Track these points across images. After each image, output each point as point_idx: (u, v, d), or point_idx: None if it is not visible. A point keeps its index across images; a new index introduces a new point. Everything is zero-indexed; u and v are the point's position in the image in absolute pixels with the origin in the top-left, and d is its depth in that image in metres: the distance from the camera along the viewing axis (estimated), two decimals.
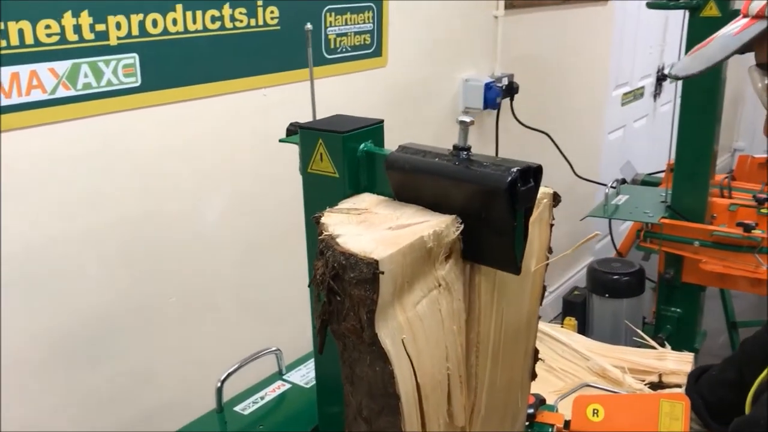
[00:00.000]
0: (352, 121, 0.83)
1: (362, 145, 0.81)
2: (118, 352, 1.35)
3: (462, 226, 0.71)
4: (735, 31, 0.77)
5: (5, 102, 1.12)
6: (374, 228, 0.69)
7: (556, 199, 0.87)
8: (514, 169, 0.68)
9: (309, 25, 0.92)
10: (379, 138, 0.84)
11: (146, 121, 1.33)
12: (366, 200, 0.77)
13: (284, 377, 1.15)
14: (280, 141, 0.92)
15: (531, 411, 1.11)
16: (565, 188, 2.75)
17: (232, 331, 1.58)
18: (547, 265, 0.90)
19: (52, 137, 1.19)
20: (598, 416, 1.09)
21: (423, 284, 0.69)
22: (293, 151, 0.85)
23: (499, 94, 2.29)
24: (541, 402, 1.15)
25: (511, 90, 2.39)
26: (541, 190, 0.84)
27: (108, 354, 1.34)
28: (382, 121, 0.84)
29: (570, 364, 1.66)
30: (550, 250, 0.90)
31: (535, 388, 1.63)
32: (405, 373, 0.66)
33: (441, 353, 0.71)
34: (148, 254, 1.38)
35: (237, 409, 1.07)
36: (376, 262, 0.61)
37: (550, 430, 1.10)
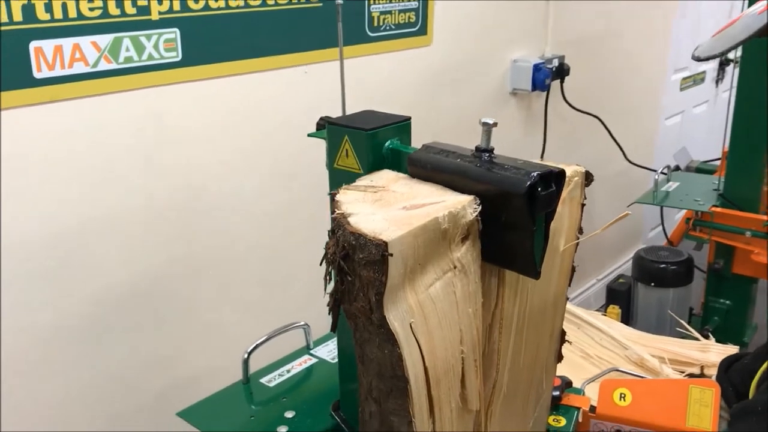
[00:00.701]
0: (379, 118, 0.83)
1: (388, 143, 0.81)
2: (149, 324, 1.38)
3: (480, 207, 0.70)
4: (759, 10, 0.73)
5: (48, 74, 1.14)
6: (388, 207, 0.68)
7: (588, 178, 0.85)
8: (534, 173, 0.67)
9: (340, 0, 0.91)
10: (405, 135, 0.83)
11: (186, 95, 1.34)
12: (384, 177, 0.76)
13: (311, 352, 1.16)
14: (309, 136, 0.92)
15: (557, 393, 1.09)
16: (617, 174, 2.69)
17: (262, 305, 1.59)
18: (577, 245, 0.88)
19: (94, 110, 1.22)
20: (625, 401, 1.07)
21: (437, 266, 0.68)
22: None
23: (548, 75, 2.24)
24: (567, 384, 1.13)
25: (562, 72, 2.33)
26: (573, 168, 0.82)
27: (139, 326, 1.37)
28: (409, 119, 0.83)
29: (607, 351, 1.63)
30: (580, 231, 0.88)
31: (570, 373, 1.61)
32: (414, 356, 0.66)
33: (455, 336, 0.71)
34: (184, 227, 1.40)
35: (263, 380, 1.09)
36: (385, 243, 0.61)
37: (575, 413, 1.08)
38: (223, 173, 1.45)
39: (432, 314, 0.68)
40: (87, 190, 1.24)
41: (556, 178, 0.69)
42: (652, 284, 2.16)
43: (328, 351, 1.16)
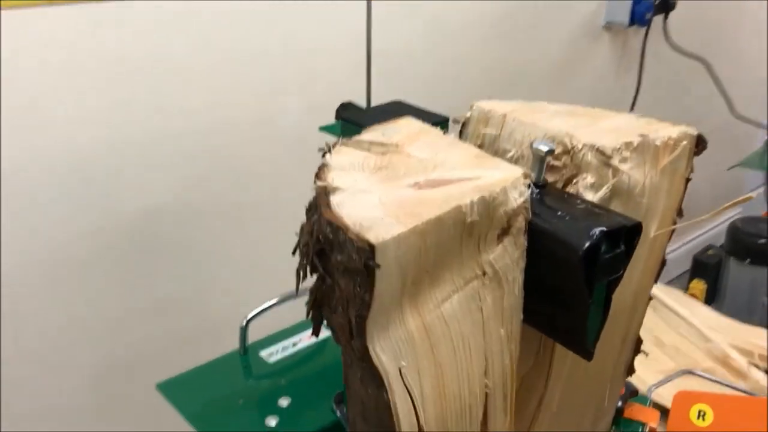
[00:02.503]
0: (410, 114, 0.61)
1: None
2: (162, 258, 1.23)
3: (530, 188, 0.48)
4: None
5: None
6: (394, 181, 0.47)
7: (699, 144, 0.62)
8: (597, 230, 0.46)
9: None
10: None
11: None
12: (404, 130, 0.55)
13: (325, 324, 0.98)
14: (320, 130, 0.72)
15: (619, 404, 0.89)
16: (720, 129, 2.35)
17: (276, 264, 1.42)
18: (673, 232, 0.66)
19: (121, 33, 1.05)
20: (704, 420, 0.86)
21: (457, 273, 0.47)
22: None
23: (650, 8, 1.91)
24: (632, 393, 0.91)
25: (666, 5, 1.99)
26: (681, 129, 0.59)
27: (147, 260, 1.22)
28: (446, 120, 0.61)
29: (685, 342, 1.39)
30: (680, 213, 0.66)
31: (638, 364, 1.38)
32: (409, 404, 0.46)
33: (477, 366, 0.50)
34: (212, 161, 1.23)
35: (263, 353, 0.92)
36: (371, 248, 0.40)
37: (640, 429, 0.88)
38: (256, 103, 1.26)
39: (443, 340, 0.47)
40: (112, 118, 1.08)
41: (629, 233, 0.48)
42: (748, 261, 1.87)
43: None
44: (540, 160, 0.52)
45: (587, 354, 0.52)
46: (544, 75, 1.74)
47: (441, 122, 0.58)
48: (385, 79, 1.22)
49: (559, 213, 0.48)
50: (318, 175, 0.48)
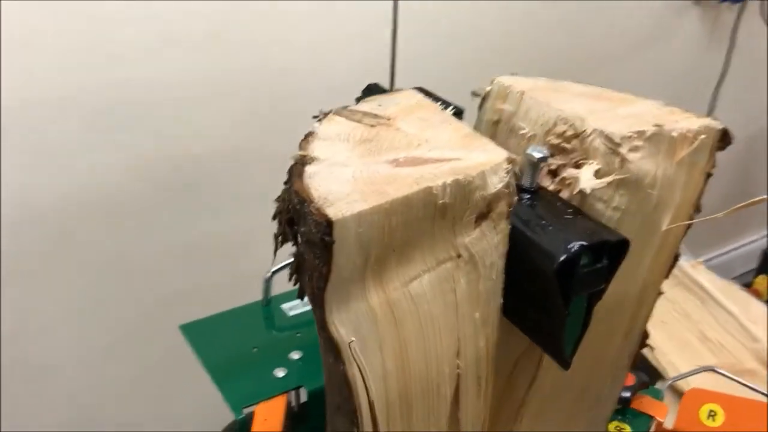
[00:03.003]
0: None
1: None
2: (203, 201, 1.27)
3: (511, 172, 0.47)
4: None
5: None
6: (374, 155, 0.47)
7: (725, 139, 0.59)
8: (576, 244, 0.45)
9: None
10: None
11: None
12: (402, 103, 0.54)
13: None
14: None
15: (627, 395, 0.87)
16: None
17: None
18: (688, 227, 0.63)
19: None
20: (714, 421, 0.83)
21: (428, 253, 0.47)
22: None
23: None
24: (643, 384, 0.89)
25: None
26: (703, 122, 0.57)
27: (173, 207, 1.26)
28: (461, 112, 0.59)
29: (730, 339, 1.34)
30: (697, 208, 0.63)
31: (679, 356, 1.34)
32: (366, 377, 0.46)
33: (447, 347, 0.50)
34: (264, 107, 1.25)
35: (284, 307, 0.94)
36: (329, 223, 0.40)
37: (647, 423, 0.86)
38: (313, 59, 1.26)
39: (410, 319, 0.47)
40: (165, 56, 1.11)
41: (614, 248, 0.47)
42: None
43: None
44: (532, 166, 0.51)
45: (564, 363, 0.51)
46: (618, 55, 1.66)
47: (455, 113, 0.57)
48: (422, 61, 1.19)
49: (543, 222, 0.48)
50: (302, 143, 0.48)
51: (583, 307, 0.50)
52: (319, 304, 0.43)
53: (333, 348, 0.45)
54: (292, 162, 0.46)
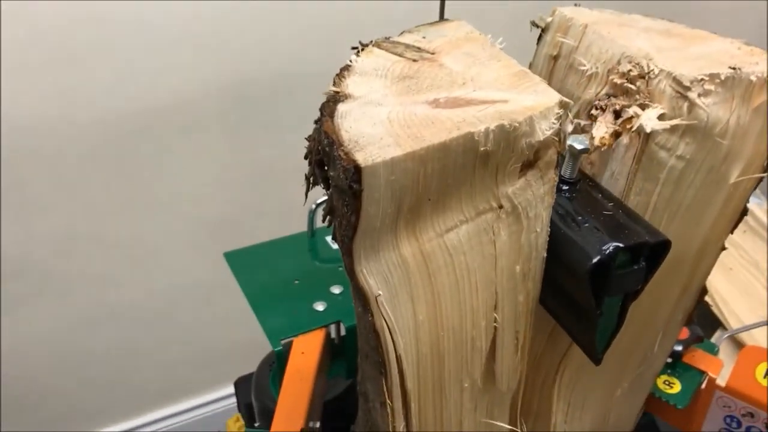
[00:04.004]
0: None
1: None
2: (255, 129, 1.25)
3: (564, 117, 0.43)
4: None
5: None
6: (413, 94, 0.43)
7: None
8: (611, 246, 0.42)
9: None
10: None
11: None
12: (449, 35, 0.50)
13: None
14: None
15: (679, 348, 0.83)
16: None
17: None
18: (760, 181, 0.58)
19: None
20: None
21: (467, 203, 0.43)
22: None
23: None
24: (696, 339, 0.85)
25: None
26: None
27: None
28: None
29: None
30: None
31: (744, 307, 1.29)
32: (393, 329, 0.44)
33: (484, 300, 0.48)
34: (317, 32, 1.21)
35: (329, 239, 0.93)
36: (357, 169, 0.37)
37: (699, 378, 0.82)
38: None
39: (444, 270, 0.45)
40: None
41: (654, 250, 0.44)
42: None
43: None
44: (573, 158, 0.47)
45: (596, 360, 0.49)
46: None
47: None
48: None
49: (580, 218, 0.45)
50: (336, 77, 0.45)
51: (617, 306, 0.47)
52: (347, 252, 0.41)
53: (361, 297, 0.43)
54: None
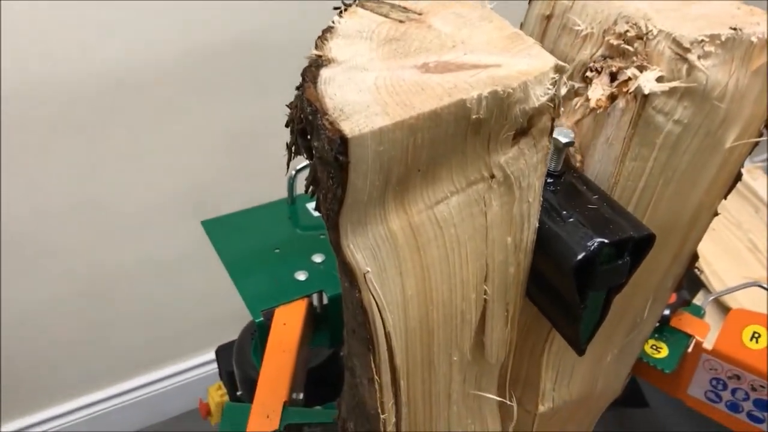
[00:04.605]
0: None
1: None
2: (237, 90, 1.22)
3: (559, 82, 0.40)
4: None
5: None
6: (401, 58, 0.41)
7: None
8: (595, 242, 0.42)
9: None
10: None
11: None
12: None
13: None
14: None
15: (666, 312, 0.83)
16: None
17: None
18: (755, 145, 0.57)
19: None
20: (758, 343, 0.79)
21: (458, 173, 0.41)
22: None
23: None
24: (683, 302, 0.85)
25: None
26: None
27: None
28: None
29: None
30: None
31: (726, 266, 1.29)
32: (381, 305, 0.42)
33: (474, 273, 0.46)
34: None
35: (310, 206, 0.91)
36: (343, 139, 0.35)
37: (685, 342, 0.82)
38: None
39: (434, 243, 0.43)
40: None
41: (638, 245, 0.44)
42: None
43: None
44: (558, 151, 0.46)
45: (579, 351, 0.49)
46: None
47: None
48: None
49: (564, 212, 0.44)
50: (318, 41, 0.42)
51: (601, 299, 0.47)
52: (332, 227, 0.39)
53: (348, 273, 0.41)
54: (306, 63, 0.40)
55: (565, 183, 0.47)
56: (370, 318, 0.42)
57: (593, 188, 0.47)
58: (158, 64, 1.11)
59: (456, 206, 0.42)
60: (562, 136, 0.46)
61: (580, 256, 0.41)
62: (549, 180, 0.46)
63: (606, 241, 0.42)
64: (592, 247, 0.42)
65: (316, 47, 0.41)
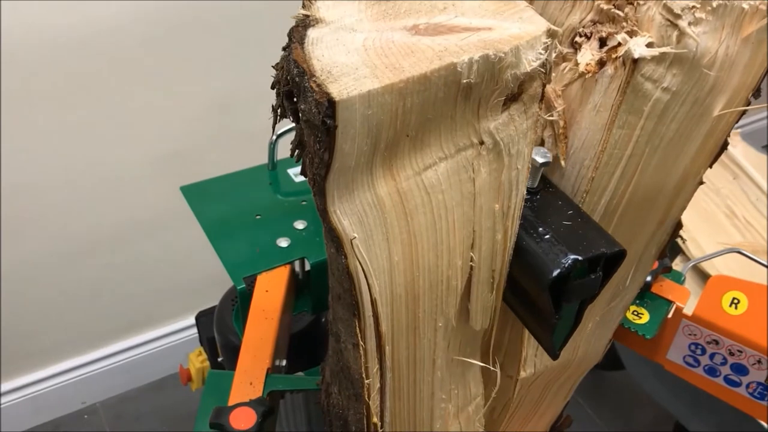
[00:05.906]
0: None
1: None
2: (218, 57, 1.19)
3: (551, 48, 0.40)
4: None
5: None
6: (390, 19, 0.40)
7: None
8: (569, 259, 0.44)
9: None
10: None
11: None
12: None
13: None
14: None
15: (648, 279, 0.83)
16: None
17: None
18: (742, 114, 0.57)
19: None
20: (737, 309, 0.80)
21: (447, 139, 0.41)
22: None
23: None
24: (665, 269, 0.85)
25: None
26: None
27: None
28: None
29: (759, 217, 1.29)
30: (756, 93, 0.56)
31: (703, 232, 1.30)
32: (368, 271, 0.42)
33: (461, 239, 0.45)
34: None
35: (291, 172, 0.90)
36: (330, 102, 0.34)
37: (666, 307, 0.83)
38: None
39: (421, 209, 0.42)
40: None
41: (609, 261, 0.45)
42: None
43: None
44: (535, 170, 0.47)
45: (553, 356, 0.51)
46: None
47: None
48: None
49: (540, 229, 0.46)
50: (305, 0, 0.41)
51: (574, 309, 0.49)
52: (319, 192, 0.38)
53: (335, 239, 0.40)
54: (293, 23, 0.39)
55: (542, 199, 0.49)
56: (356, 284, 0.42)
57: (567, 202, 0.49)
58: (140, 28, 1.08)
59: (444, 172, 0.42)
60: (540, 156, 0.47)
61: (555, 273, 0.43)
62: (527, 197, 0.48)
63: (579, 258, 0.44)
64: (567, 264, 0.43)
65: (303, 6, 0.40)
